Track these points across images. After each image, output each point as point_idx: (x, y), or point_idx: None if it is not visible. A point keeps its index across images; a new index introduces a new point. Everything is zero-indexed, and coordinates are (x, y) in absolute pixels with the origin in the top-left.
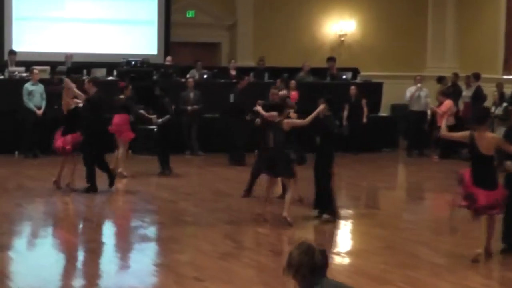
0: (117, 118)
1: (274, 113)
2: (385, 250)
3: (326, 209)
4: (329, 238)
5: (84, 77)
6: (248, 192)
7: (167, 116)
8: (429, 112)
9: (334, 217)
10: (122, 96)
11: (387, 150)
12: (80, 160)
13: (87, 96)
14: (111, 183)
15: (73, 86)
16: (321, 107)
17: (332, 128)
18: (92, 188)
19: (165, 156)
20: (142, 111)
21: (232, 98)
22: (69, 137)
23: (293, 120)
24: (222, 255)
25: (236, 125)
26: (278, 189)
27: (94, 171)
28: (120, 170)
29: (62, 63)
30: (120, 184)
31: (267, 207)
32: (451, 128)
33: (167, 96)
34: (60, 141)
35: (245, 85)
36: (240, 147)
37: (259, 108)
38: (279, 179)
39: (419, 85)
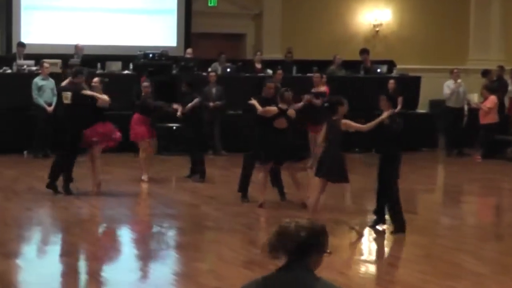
0: (132, 120)
1: (272, 108)
2: (424, 259)
3: (389, 220)
4: (363, 245)
5: (97, 71)
6: (245, 194)
7: (197, 99)
8: (466, 108)
9: (401, 230)
10: (143, 94)
11: (426, 150)
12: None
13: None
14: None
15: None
16: (386, 114)
17: (399, 129)
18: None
19: (199, 157)
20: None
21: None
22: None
23: (351, 122)
24: (246, 263)
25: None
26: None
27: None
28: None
29: (73, 56)
30: (137, 186)
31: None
32: (494, 126)
33: (195, 92)
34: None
35: (280, 78)
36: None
37: (254, 102)
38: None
39: (459, 80)
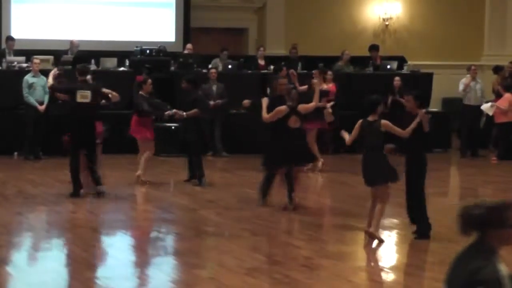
0: (133, 120)
1: (282, 108)
2: (437, 266)
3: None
4: (373, 252)
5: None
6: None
7: (194, 110)
8: (484, 106)
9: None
10: (141, 93)
11: (438, 151)
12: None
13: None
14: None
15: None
16: (423, 115)
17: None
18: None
19: (198, 160)
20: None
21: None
22: None
23: (392, 125)
24: (249, 271)
25: None
26: None
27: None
28: (138, 173)
29: (66, 52)
30: (133, 189)
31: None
32: (510, 125)
33: (196, 91)
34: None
35: (284, 76)
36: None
37: (264, 107)
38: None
39: (468, 75)
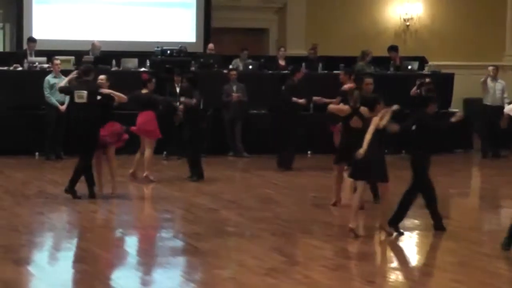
0: (143, 116)
1: (345, 108)
2: (458, 267)
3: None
4: (393, 252)
5: (112, 68)
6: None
7: (193, 100)
8: (507, 107)
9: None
10: (144, 91)
11: (460, 151)
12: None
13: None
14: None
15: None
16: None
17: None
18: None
19: (195, 158)
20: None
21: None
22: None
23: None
24: (269, 271)
25: (289, 123)
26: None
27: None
28: (146, 174)
29: (87, 52)
30: (152, 190)
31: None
32: None
33: (195, 90)
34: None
35: (301, 77)
36: (291, 149)
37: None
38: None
39: (488, 78)
